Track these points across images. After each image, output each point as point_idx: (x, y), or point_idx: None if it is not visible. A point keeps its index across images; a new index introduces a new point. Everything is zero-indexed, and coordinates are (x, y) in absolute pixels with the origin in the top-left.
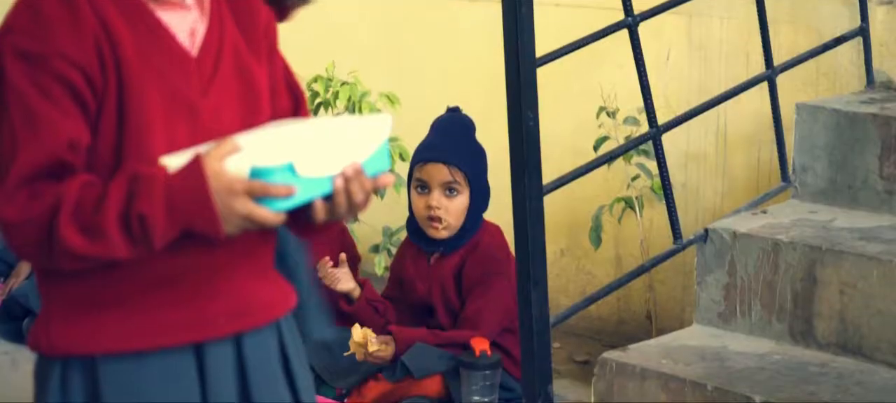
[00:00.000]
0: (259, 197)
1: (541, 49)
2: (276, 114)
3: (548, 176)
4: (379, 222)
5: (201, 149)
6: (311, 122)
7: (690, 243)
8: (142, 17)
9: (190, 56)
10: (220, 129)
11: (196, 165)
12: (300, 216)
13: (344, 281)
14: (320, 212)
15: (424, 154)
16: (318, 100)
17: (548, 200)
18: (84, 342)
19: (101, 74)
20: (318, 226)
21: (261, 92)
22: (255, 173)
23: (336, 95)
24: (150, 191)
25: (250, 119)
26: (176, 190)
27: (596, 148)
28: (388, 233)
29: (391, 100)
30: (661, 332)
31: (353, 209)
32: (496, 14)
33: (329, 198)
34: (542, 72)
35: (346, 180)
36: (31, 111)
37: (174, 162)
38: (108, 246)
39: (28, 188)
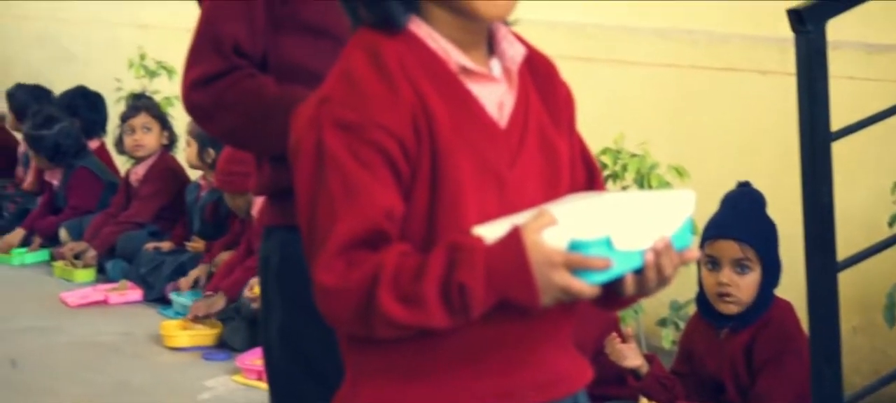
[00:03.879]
0: (576, 269)
1: (834, 123)
2: (573, 187)
3: (841, 251)
4: (666, 296)
5: (517, 219)
6: (616, 196)
7: None
8: (454, 89)
9: (499, 128)
10: (524, 201)
11: (515, 236)
12: (608, 289)
13: (632, 357)
14: (630, 286)
15: (715, 231)
16: (606, 173)
17: (840, 276)
18: None
19: (416, 144)
20: (624, 301)
21: (562, 164)
22: (574, 246)
23: (625, 167)
24: (470, 261)
25: (551, 191)
26: (495, 260)
27: (891, 224)
28: (676, 307)
29: (680, 172)
30: None
31: (662, 283)
32: (787, 86)
33: (639, 272)
34: (835, 146)
35: (657, 254)
36: (349, 180)
37: (488, 232)
38: (427, 315)
39: (346, 256)
